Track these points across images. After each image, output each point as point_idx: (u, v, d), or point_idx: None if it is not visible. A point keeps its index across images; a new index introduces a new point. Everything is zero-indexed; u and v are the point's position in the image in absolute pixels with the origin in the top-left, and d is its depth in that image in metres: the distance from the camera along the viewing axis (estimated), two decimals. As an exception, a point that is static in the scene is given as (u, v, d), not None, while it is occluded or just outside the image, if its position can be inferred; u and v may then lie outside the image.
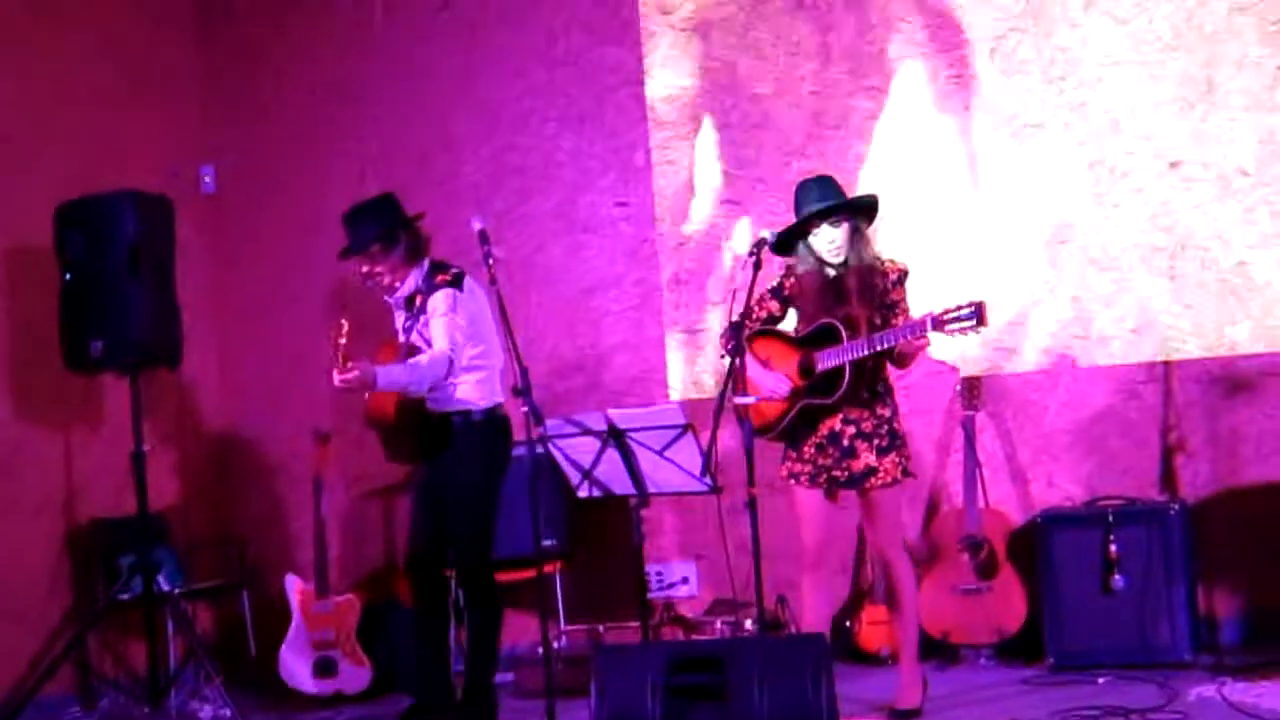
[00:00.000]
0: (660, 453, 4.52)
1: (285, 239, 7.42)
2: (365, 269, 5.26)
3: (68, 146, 6.69)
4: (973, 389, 5.91)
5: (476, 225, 4.96)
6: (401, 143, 7.18)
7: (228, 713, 5.64)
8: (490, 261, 4.81)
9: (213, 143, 7.55)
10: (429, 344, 5.17)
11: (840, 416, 4.85)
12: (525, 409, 4.53)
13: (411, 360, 5.09)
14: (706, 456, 4.47)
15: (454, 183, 7.00)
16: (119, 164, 6.77)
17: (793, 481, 4.93)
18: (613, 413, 4.58)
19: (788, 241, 4.92)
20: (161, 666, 6.27)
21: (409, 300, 5.26)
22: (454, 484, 5.21)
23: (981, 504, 5.82)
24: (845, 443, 4.84)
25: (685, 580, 6.53)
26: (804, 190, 4.93)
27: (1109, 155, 5.93)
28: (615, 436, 4.56)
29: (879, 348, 4.69)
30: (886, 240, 5.80)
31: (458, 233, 5.39)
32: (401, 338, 5.26)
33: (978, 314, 4.50)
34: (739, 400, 4.60)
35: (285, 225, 7.42)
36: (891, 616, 5.12)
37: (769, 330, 5.02)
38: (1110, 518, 5.52)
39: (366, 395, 5.21)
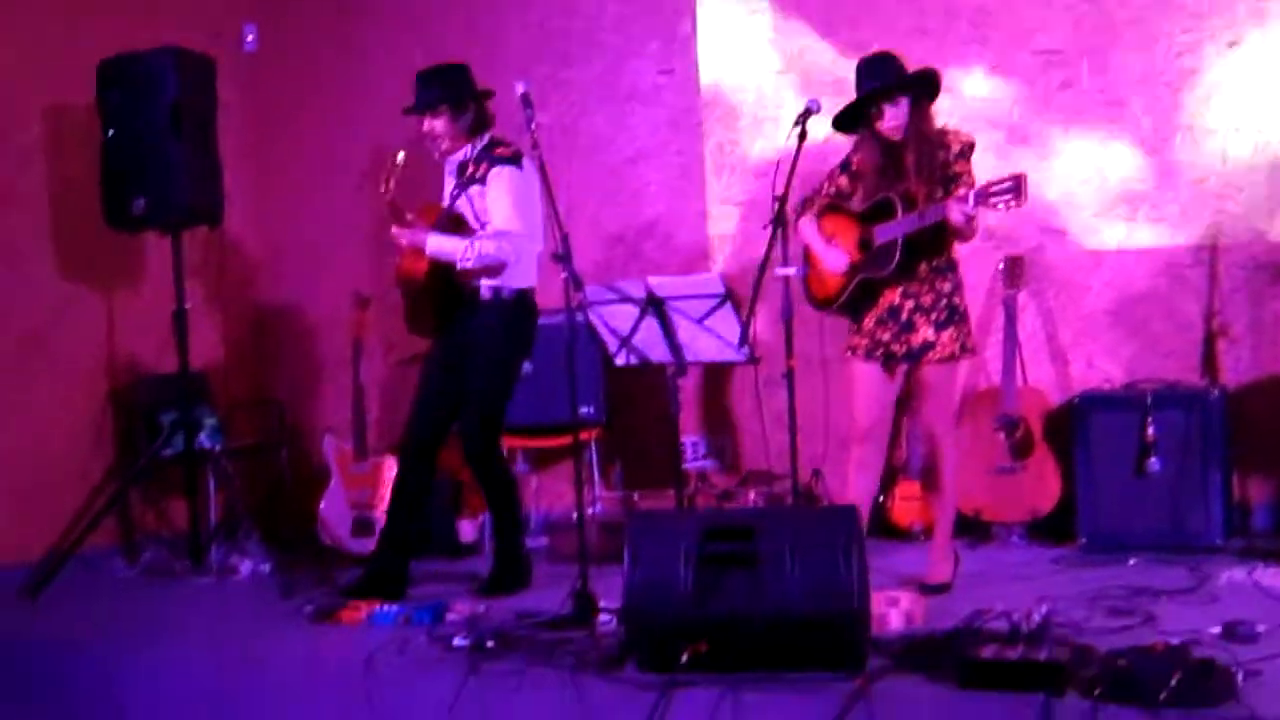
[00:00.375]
0: (699, 322, 4.52)
1: (327, 100, 7.39)
2: (427, 127, 5.24)
3: (110, 2, 6.64)
4: (1016, 268, 5.86)
5: (520, 89, 4.90)
6: (447, 4, 7.10)
7: (266, 568, 5.74)
8: (533, 127, 4.76)
9: (255, 1, 7.48)
10: (477, 215, 5.15)
11: (900, 290, 4.82)
12: (565, 275, 4.51)
13: (477, 238, 5.08)
14: (745, 327, 4.46)
15: (498, 46, 6.91)
16: (161, 21, 6.72)
17: (850, 354, 4.93)
18: (652, 280, 4.57)
19: (850, 119, 4.88)
20: (202, 522, 6.39)
21: (461, 167, 5.24)
22: (476, 361, 5.20)
23: (1020, 383, 5.81)
24: (904, 317, 4.82)
25: (720, 451, 6.56)
26: (863, 68, 4.86)
27: (1166, 32, 5.80)
28: (654, 304, 4.55)
29: (927, 222, 4.65)
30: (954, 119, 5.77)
31: (500, 97, 5.34)
32: (446, 202, 5.25)
33: (1017, 186, 4.44)
34: (780, 271, 4.57)
35: (327, 86, 7.38)
36: (929, 493, 5.12)
37: (836, 205, 4.97)
38: (1149, 400, 5.49)
39: (402, 254, 5.21)
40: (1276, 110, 5.66)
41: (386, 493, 6.20)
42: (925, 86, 4.84)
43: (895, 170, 4.82)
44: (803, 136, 4.65)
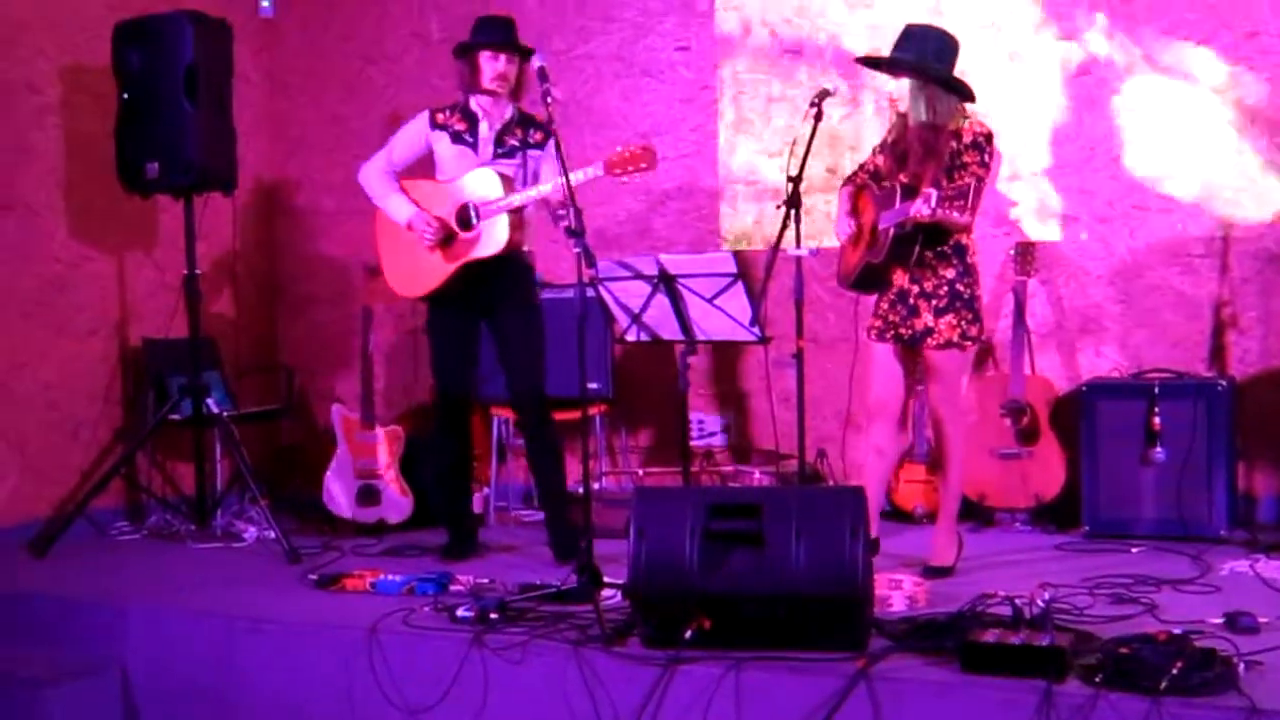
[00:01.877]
0: (710, 300, 4.53)
1: (342, 67, 7.39)
2: (504, 69, 5.28)
3: (127, -36, 6.65)
4: (1026, 254, 5.86)
5: (536, 62, 4.91)
6: (463, -25, 7.09)
7: (271, 534, 5.76)
8: (549, 100, 4.77)
9: (272, -33, 7.48)
10: (530, 177, 5.25)
11: (909, 275, 4.84)
12: (578, 250, 4.51)
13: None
14: (756, 306, 4.47)
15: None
16: (178, -16, 6.74)
17: (868, 334, 4.96)
18: (664, 258, 4.58)
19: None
20: (208, 486, 6.41)
21: (502, 131, 5.32)
22: (520, 317, 5.32)
23: (1027, 370, 5.82)
24: (911, 301, 4.83)
25: (727, 429, 6.58)
26: (902, 33, 4.85)
27: (1179, 24, 5.80)
28: (666, 281, 4.56)
29: (905, 217, 4.64)
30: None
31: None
32: (494, 167, 5.26)
33: (966, 193, 4.43)
34: (792, 252, 4.58)
35: (343, 53, 7.39)
36: (935, 477, 5.14)
37: (866, 185, 4.98)
38: (1156, 390, 5.50)
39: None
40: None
41: (393, 463, 6.26)
42: (930, 77, 4.76)
43: (904, 153, 4.84)
44: (819, 118, 4.65)
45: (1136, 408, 5.50)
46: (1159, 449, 5.45)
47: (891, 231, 4.70)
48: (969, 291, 4.86)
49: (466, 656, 4.12)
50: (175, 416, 6.18)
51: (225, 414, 6.25)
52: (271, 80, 7.51)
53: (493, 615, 4.28)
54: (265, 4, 7.46)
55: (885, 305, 4.91)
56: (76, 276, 6.43)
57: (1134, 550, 5.26)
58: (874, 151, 5.01)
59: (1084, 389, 5.68)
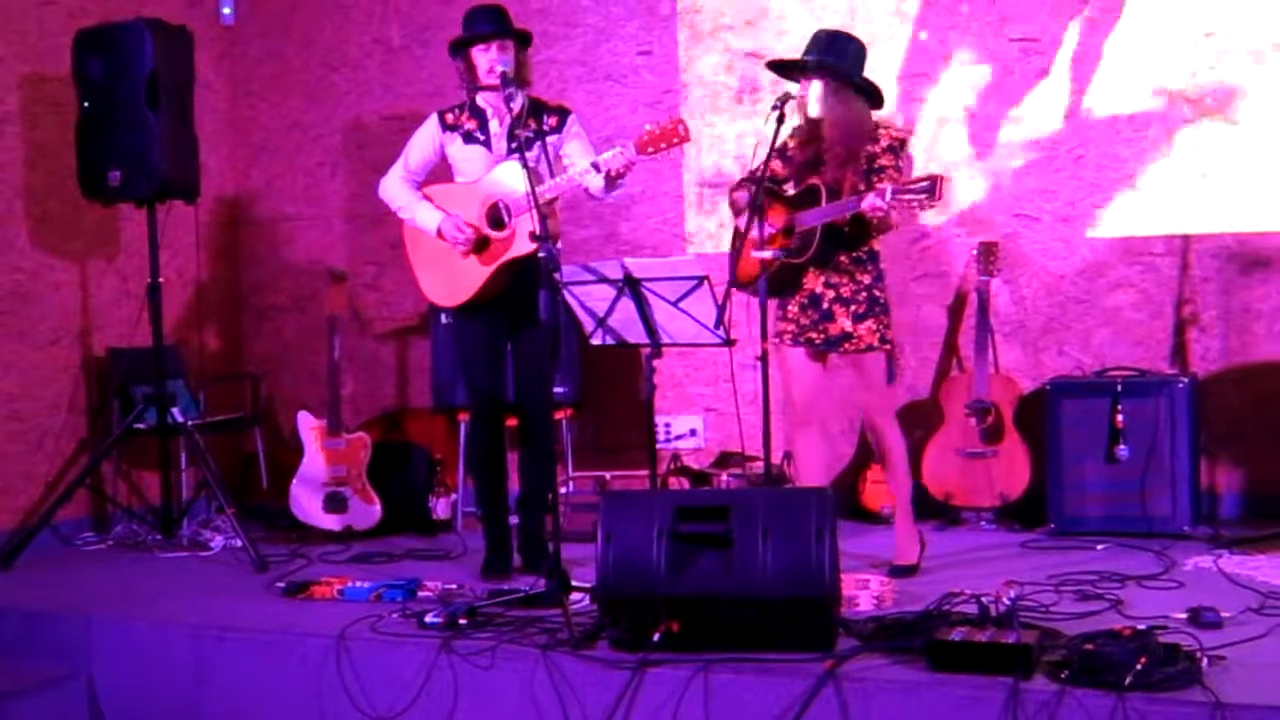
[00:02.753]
0: (675, 304, 4.53)
1: (304, 74, 7.37)
2: (501, 59, 5.03)
3: (88, -28, 6.62)
4: (989, 254, 5.89)
5: (499, 68, 4.91)
6: (425, -21, 7.09)
7: (238, 543, 5.73)
8: (512, 105, 4.76)
9: (233, -27, 7.46)
10: (555, 163, 5.06)
11: (822, 280, 4.85)
12: (543, 254, 4.50)
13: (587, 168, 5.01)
14: (721, 309, 4.48)
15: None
16: (139, -8, 6.72)
17: (778, 340, 4.95)
18: (629, 261, 4.58)
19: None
20: (174, 496, 6.38)
21: (514, 123, 5.05)
22: (544, 327, 4.90)
23: (991, 369, 5.85)
24: (825, 306, 4.85)
25: (693, 432, 6.59)
26: (811, 38, 4.87)
27: (1141, 21, 5.85)
28: (631, 285, 4.56)
29: (843, 213, 4.66)
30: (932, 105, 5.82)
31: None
32: (498, 158, 5.13)
33: (932, 187, 4.46)
34: (755, 254, 4.59)
35: (304, 60, 7.36)
36: (888, 478, 5.16)
37: (770, 190, 4.94)
38: (1119, 388, 5.54)
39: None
40: (1249, 100, 5.70)
41: (361, 470, 6.24)
42: (838, 77, 4.77)
43: (818, 156, 4.84)
44: (781, 120, 4.65)
45: (1100, 406, 5.55)
46: (1123, 446, 5.49)
47: (819, 230, 4.71)
48: (884, 296, 4.90)
49: (435, 662, 4.11)
50: (140, 426, 6.14)
51: (191, 423, 6.22)
52: (233, 87, 7.49)
53: (461, 621, 4.28)
54: (226, 11, 7.44)
55: (795, 309, 4.92)
56: (39, 286, 6.39)
57: (1099, 547, 5.29)
58: (769, 156, 4.81)
59: (1048, 388, 5.71)
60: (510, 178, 4.99)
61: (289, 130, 7.42)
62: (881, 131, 4.82)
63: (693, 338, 4.62)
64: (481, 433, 5.33)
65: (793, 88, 4.73)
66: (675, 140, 4.83)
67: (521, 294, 5.05)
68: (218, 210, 7.34)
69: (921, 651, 3.69)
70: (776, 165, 4.94)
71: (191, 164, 6.14)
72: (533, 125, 5.12)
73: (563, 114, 5.20)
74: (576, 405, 6.43)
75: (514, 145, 4.94)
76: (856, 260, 4.85)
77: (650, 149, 4.85)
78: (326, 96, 7.31)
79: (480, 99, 5.20)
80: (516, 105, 5.11)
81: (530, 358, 5.19)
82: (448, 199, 5.22)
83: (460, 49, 5.18)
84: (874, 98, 4.84)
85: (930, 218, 6.10)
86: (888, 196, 4.51)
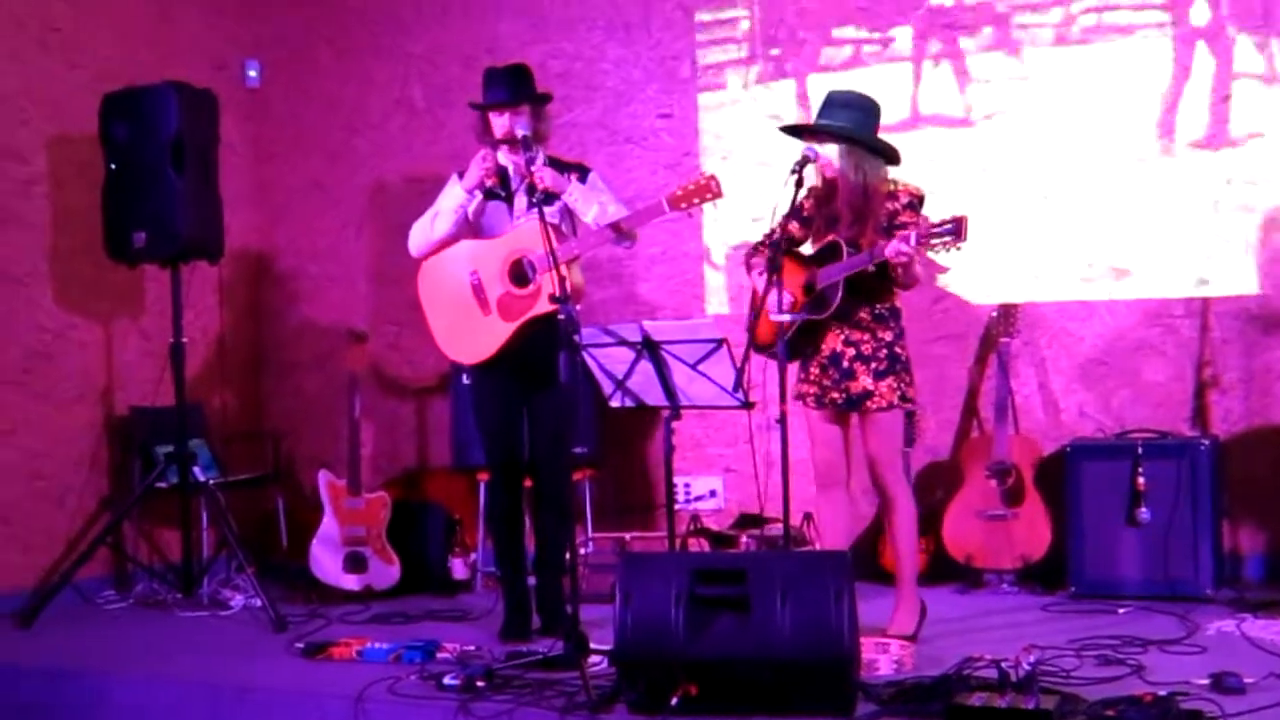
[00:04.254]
0: (694, 366, 4.55)
1: (327, 136, 7.44)
2: (516, 126, 5.01)
3: (114, 36, 6.72)
4: (1009, 315, 5.90)
5: (520, 132, 4.95)
6: (447, 43, 7.16)
7: (258, 602, 5.74)
8: (532, 169, 4.80)
9: (258, 37, 7.54)
10: (571, 219, 5.12)
11: (842, 338, 4.84)
12: (562, 317, 4.51)
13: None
14: (739, 371, 4.49)
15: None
16: (165, 56, 6.82)
17: (800, 402, 4.95)
18: (648, 324, 4.59)
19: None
20: (195, 555, 6.39)
21: (531, 189, 4.94)
22: (562, 387, 4.67)
23: (1012, 431, 5.84)
24: (845, 364, 4.83)
25: (712, 493, 6.59)
26: (825, 99, 4.89)
27: (1159, 81, 5.87)
28: (650, 348, 4.58)
29: (867, 263, 4.65)
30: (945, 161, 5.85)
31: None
32: (519, 216, 5.14)
33: (957, 229, 4.45)
34: (774, 317, 4.59)
35: (327, 122, 7.44)
36: (923, 539, 5.10)
37: (788, 250, 4.92)
38: (1140, 450, 5.52)
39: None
40: (1263, 161, 5.72)
41: (380, 530, 6.25)
42: (850, 141, 4.78)
43: (836, 215, 4.85)
44: (800, 184, 4.68)
45: (1121, 468, 5.53)
46: (1144, 509, 5.47)
47: (841, 284, 4.71)
48: (905, 354, 4.88)
49: (453, 725, 4.11)
50: (161, 484, 6.17)
51: (212, 481, 6.24)
52: (256, 149, 7.56)
53: (479, 683, 4.27)
54: (252, 74, 7.52)
55: (816, 370, 4.90)
56: (63, 345, 6.45)
57: (1121, 611, 5.27)
58: (785, 219, 4.84)
59: (1068, 449, 5.69)
60: (534, 235, 4.92)
61: (311, 190, 7.48)
62: (900, 189, 4.84)
63: (711, 400, 4.63)
64: (499, 494, 5.33)
65: (811, 151, 4.75)
66: (709, 196, 4.85)
67: (540, 355, 5.02)
68: (240, 269, 7.40)
69: (941, 716, 3.67)
70: (794, 227, 4.96)
71: (215, 224, 6.20)
72: (550, 180, 5.08)
73: (583, 170, 5.23)
74: (596, 465, 6.44)
75: (534, 200, 4.89)
76: (878, 317, 4.84)
77: (683, 204, 4.87)
78: (348, 158, 7.38)
79: (502, 156, 5.21)
80: (536, 166, 5.08)
81: (547, 419, 5.18)
82: (469, 255, 5.21)
83: (479, 109, 5.21)
84: (890, 157, 4.87)
85: (949, 279, 6.11)
86: (913, 241, 4.52)
